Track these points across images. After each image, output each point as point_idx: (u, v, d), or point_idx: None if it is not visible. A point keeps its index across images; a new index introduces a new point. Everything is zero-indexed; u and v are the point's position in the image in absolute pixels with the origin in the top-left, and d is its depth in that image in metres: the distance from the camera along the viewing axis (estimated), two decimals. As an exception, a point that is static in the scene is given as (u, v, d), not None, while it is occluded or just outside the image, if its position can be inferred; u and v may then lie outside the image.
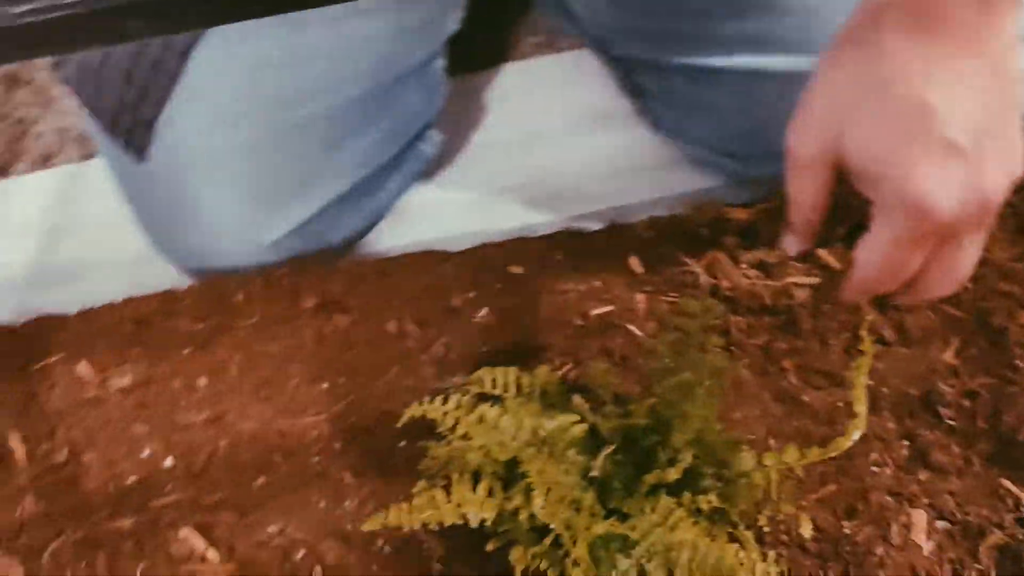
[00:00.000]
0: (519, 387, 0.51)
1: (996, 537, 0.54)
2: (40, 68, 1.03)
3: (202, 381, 0.62)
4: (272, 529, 0.58)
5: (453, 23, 0.69)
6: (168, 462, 0.60)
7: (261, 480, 0.59)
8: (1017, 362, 0.60)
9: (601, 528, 0.44)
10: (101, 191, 0.73)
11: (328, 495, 0.59)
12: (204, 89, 0.62)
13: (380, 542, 0.57)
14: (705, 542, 0.44)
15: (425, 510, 0.45)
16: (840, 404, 0.60)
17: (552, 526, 0.44)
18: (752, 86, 0.64)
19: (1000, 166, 0.46)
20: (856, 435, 0.47)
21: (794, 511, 0.51)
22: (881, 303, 0.62)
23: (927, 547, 0.54)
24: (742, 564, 0.43)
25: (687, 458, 0.48)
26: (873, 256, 0.49)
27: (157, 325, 0.63)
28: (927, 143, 0.44)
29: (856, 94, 0.47)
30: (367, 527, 0.46)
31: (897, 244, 0.47)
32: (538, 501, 0.44)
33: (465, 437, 0.49)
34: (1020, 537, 0.54)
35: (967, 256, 0.49)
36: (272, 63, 0.63)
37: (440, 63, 0.70)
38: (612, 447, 0.49)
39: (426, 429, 0.52)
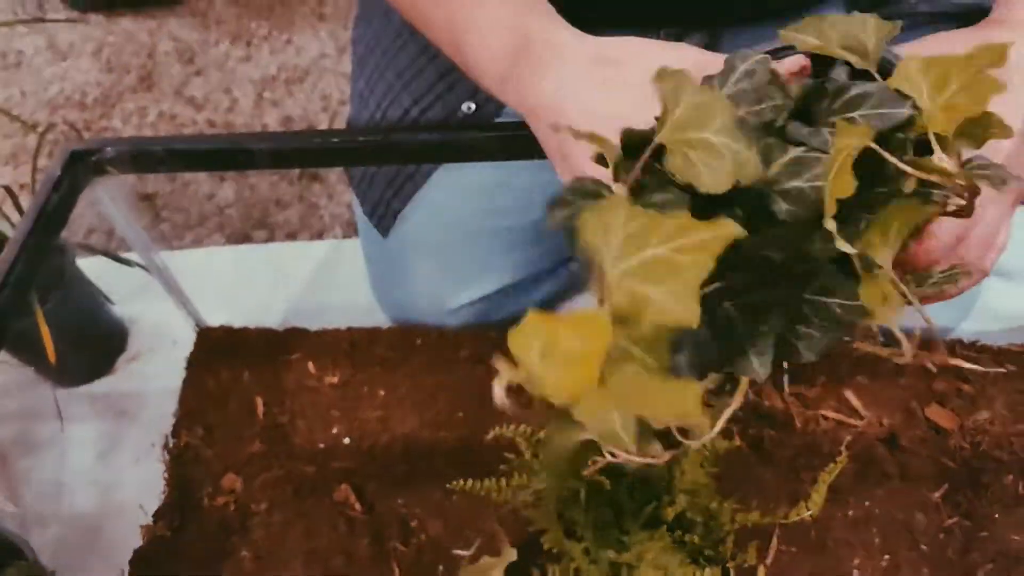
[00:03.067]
0: (578, 428, 0.72)
1: (932, 641, 0.66)
2: (332, 170, 1.40)
3: (381, 392, 0.88)
4: (400, 501, 0.81)
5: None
6: (347, 440, 0.86)
7: (402, 467, 0.83)
8: (995, 515, 0.72)
9: (602, 526, 0.64)
10: (351, 261, 1.04)
11: (441, 488, 0.81)
12: (435, 200, 0.88)
13: (470, 531, 0.80)
14: (669, 555, 0.62)
15: (490, 488, 0.67)
16: (840, 515, 0.75)
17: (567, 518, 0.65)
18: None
19: None
20: (807, 514, 0.63)
21: (755, 563, 0.67)
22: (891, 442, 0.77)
23: (874, 636, 0.68)
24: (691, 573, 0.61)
25: (681, 502, 0.67)
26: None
27: (362, 348, 0.91)
28: None
29: None
30: (450, 485, 0.68)
31: None
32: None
33: (535, 456, 0.71)
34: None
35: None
36: (483, 190, 0.87)
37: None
38: (631, 481, 0.69)
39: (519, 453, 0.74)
